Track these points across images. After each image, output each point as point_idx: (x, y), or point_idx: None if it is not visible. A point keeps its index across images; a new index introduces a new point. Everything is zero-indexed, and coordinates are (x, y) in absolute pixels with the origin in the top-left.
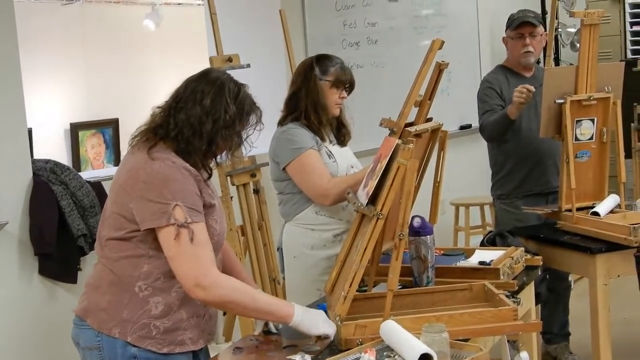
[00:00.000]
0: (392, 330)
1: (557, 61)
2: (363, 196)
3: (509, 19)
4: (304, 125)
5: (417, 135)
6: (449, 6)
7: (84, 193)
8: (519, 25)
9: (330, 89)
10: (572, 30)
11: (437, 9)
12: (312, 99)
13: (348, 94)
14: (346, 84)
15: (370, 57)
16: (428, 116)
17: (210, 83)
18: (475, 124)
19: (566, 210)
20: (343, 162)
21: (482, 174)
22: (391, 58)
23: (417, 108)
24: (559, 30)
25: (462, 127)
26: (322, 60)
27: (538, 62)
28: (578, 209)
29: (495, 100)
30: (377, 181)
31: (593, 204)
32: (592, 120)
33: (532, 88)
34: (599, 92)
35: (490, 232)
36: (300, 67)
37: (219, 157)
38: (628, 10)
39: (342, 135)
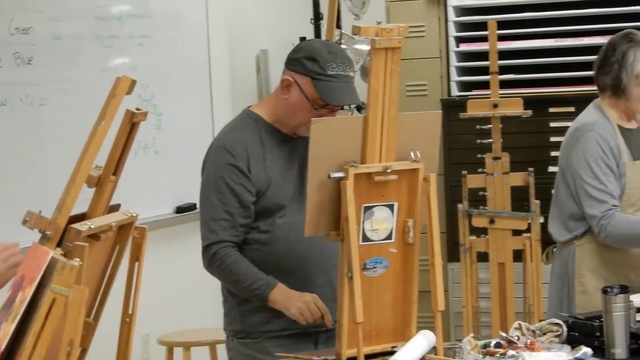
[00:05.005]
0: None
1: None
2: None
3: (311, 57)
4: None
5: (93, 237)
6: (157, 2)
7: None
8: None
9: None
10: (365, 47)
11: (138, 5)
12: None
13: None
14: None
15: (20, 88)
16: (113, 202)
17: None
18: None
19: None
20: None
21: (215, 291)
22: (58, 89)
23: (94, 189)
24: (343, 47)
25: (180, 210)
26: None
27: None
28: (369, 357)
29: (229, 198)
30: (15, 325)
31: (393, 347)
32: (391, 207)
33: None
34: (400, 161)
35: None
36: None
37: None
38: (452, 17)
39: None
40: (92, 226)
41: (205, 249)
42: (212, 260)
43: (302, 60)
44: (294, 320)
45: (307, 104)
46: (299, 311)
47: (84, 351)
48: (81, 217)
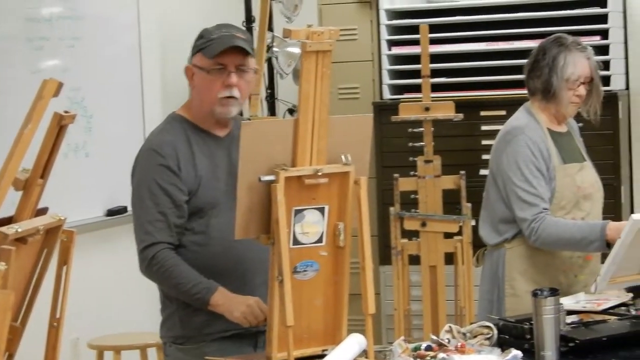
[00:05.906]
0: None
1: (271, 104)
2: None
3: (200, 36)
4: None
5: (20, 240)
6: (88, 4)
7: None
8: (222, 52)
9: None
10: (297, 50)
11: (69, 7)
12: None
13: None
14: None
15: None
16: (44, 205)
17: None
18: None
19: None
20: None
21: (146, 294)
22: None
23: (21, 192)
24: (275, 49)
25: (111, 213)
26: None
27: (241, 112)
28: None
29: (163, 199)
30: None
31: (324, 350)
32: (321, 210)
33: (262, 319)
34: (331, 164)
35: None
36: None
37: None
38: (384, 21)
39: None
40: (19, 229)
41: (142, 251)
42: (151, 264)
43: (194, 44)
44: None
45: (206, 76)
46: (243, 315)
47: (10, 356)
48: (8, 221)
